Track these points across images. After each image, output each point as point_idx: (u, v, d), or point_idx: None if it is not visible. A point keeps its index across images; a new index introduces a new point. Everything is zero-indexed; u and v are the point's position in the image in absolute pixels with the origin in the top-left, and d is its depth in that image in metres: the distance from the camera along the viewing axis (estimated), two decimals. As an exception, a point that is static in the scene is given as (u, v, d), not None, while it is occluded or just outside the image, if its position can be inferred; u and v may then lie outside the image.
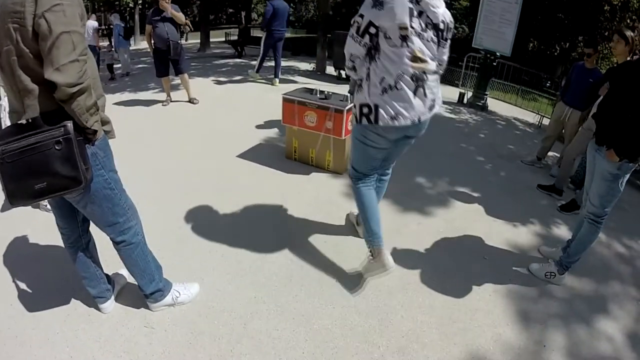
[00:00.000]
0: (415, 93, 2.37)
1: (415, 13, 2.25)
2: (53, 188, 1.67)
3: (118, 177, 2.05)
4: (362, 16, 2.31)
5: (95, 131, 1.76)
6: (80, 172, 1.67)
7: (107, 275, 2.43)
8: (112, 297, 2.45)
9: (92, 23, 10.74)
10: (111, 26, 11.86)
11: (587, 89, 4.74)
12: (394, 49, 2.30)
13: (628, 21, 21.21)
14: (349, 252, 3.16)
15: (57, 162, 1.63)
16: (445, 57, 2.50)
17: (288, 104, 4.42)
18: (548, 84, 12.84)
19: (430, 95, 2.44)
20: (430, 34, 2.31)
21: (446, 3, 2.40)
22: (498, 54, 8.51)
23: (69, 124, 1.63)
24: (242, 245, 3.16)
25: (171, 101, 7.30)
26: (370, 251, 2.75)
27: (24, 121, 1.63)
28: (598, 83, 4.39)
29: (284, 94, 4.47)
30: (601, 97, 4.08)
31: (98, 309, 2.42)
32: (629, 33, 3.87)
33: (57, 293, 2.54)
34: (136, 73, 11.15)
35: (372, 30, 2.28)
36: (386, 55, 2.33)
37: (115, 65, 11.06)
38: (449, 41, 2.45)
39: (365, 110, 2.45)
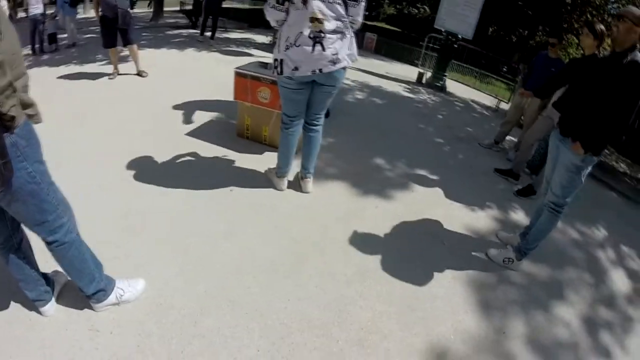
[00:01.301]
0: (313, 48, 2.82)
1: None
2: None
3: (45, 168, 1.75)
4: None
5: (13, 117, 1.47)
6: None
7: (45, 274, 2.16)
8: (53, 299, 2.18)
9: None
10: None
11: (548, 78, 4.77)
12: (297, 12, 2.76)
13: (588, 15, 21.83)
14: (302, 238, 3.01)
15: None
16: (359, 18, 2.96)
17: (240, 78, 4.14)
18: (505, 69, 13.06)
19: (331, 50, 2.85)
20: None
21: None
22: (460, 36, 8.53)
23: None
24: (190, 233, 2.92)
25: (118, 74, 6.85)
26: (276, 171, 3.57)
27: None
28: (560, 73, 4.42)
29: (237, 68, 4.19)
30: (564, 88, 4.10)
31: (39, 312, 2.15)
32: (598, 27, 3.79)
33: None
34: (83, 43, 10.44)
35: None
36: (292, 18, 2.79)
37: (60, 36, 10.28)
38: (361, 2, 2.89)
39: (275, 63, 2.98)
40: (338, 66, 2.92)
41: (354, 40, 3.02)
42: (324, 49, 2.82)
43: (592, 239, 3.87)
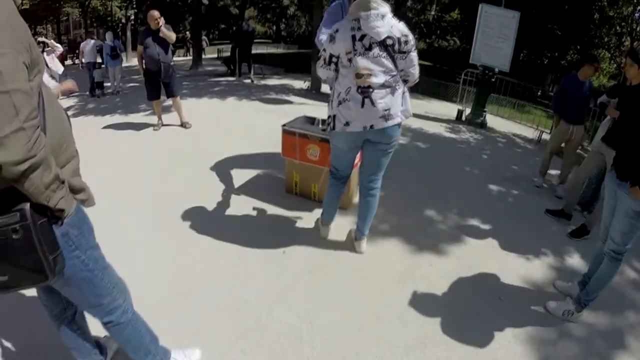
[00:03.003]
0: (362, 104, 2.84)
1: (358, 37, 2.77)
2: (17, 282, 1.41)
3: (99, 253, 1.73)
4: (324, 50, 2.93)
5: (62, 209, 1.43)
6: (44, 265, 1.38)
7: (97, 341, 2.18)
8: None
9: (96, 42, 11.95)
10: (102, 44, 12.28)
11: (584, 102, 5.03)
12: (344, 70, 2.86)
13: (617, 28, 21.55)
14: (359, 303, 2.97)
15: (18, 253, 1.33)
16: (412, 69, 2.94)
17: (288, 136, 4.19)
18: (539, 93, 12.92)
19: (382, 105, 2.85)
20: (376, 51, 2.78)
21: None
22: (496, 69, 8.47)
23: (26, 207, 1.32)
24: (243, 297, 2.93)
25: (162, 125, 7.15)
26: (320, 218, 3.66)
27: None
28: (591, 94, 4.82)
29: (284, 125, 4.25)
30: (608, 118, 4.01)
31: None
32: None
33: (47, 354, 2.32)
34: (127, 92, 11.16)
35: (334, 59, 2.88)
36: (341, 75, 2.90)
37: (106, 84, 11.35)
38: (411, 53, 2.87)
39: (329, 120, 3.05)
40: (390, 122, 2.91)
41: (407, 95, 3.03)
42: (373, 104, 2.83)
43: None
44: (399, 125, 3.00)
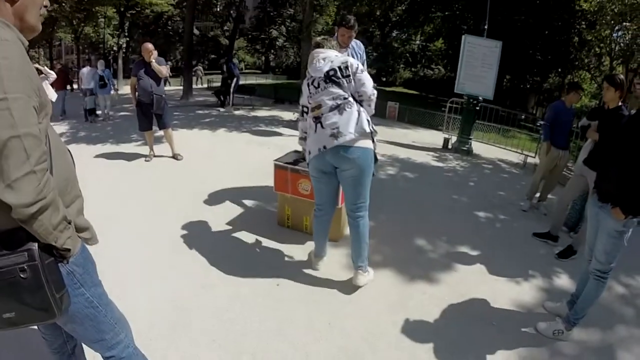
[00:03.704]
0: (315, 130, 3.21)
1: (310, 83, 3.29)
2: (24, 319, 1.43)
3: (101, 290, 1.74)
4: (299, 105, 3.51)
5: (69, 249, 1.46)
6: (52, 303, 1.40)
7: None
8: None
9: (91, 70, 12.31)
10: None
11: (570, 126, 5.37)
12: (310, 112, 3.31)
13: (596, 49, 22.17)
14: (354, 334, 3.00)
15: (25, 292, 1.36)
16: (363, 88, 3.22)
17: (280, 170, 4.32)
18: (523, 117, 13.21)
19: (329, 125, 3.12)
20: (322, 85, 3.20)
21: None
22: (480, 98, 8.70)
23: (34, 247, 1.35)
24: (240, 332, 2.94)
25: (154, 156, 7.23)
26: (313, 251, 3.78)
27: None
28: (574, 116, 5.16)
29: (276, 161, 4.37)
30: (589, 141, 4.18)
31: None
32: (618, 78, 3.88)
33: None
34: (119, 121, 11.38)
35: (305, 109, 3.38)
36: (309, 117, 3.32)
37: (98, 111, 11.84)
38: (356, 74, 3.21)
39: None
40: (341, 140, 3.07)
41: (363, 114, 3.18)
42: (322, 126, 3.16)
43: (638, 290, 3.85)
44: (350, 146, 3.09)
